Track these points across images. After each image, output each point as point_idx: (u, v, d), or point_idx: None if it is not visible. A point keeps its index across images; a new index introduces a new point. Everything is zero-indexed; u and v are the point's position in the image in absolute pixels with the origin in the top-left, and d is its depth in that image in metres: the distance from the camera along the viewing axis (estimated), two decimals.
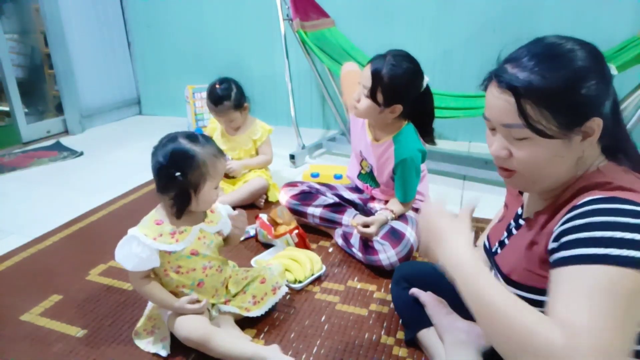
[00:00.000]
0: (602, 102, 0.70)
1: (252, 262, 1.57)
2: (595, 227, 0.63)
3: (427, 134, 1.59)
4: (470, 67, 2.75)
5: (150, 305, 1.28)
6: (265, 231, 1.66)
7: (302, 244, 1.62)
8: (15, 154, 2.88)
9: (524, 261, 0.77)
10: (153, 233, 1.12)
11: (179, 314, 1.16)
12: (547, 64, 0.69)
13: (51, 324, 1.32)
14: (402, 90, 1.46)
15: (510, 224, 0.90)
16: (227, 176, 2.12)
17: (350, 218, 1.66)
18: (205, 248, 1.19)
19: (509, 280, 0.81)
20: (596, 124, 0.69)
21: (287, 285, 1.41)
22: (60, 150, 2.96)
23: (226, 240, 1.29)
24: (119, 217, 2.00)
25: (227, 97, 1.99)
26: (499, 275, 0.87)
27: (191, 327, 1.13)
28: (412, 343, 1.18)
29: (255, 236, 1.75)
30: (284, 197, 1.83)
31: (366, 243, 1.56)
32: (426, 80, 1.50)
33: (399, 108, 1.49)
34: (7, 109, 3.23)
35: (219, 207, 1.28)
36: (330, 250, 1.70)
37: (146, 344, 1.20)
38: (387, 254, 1.50)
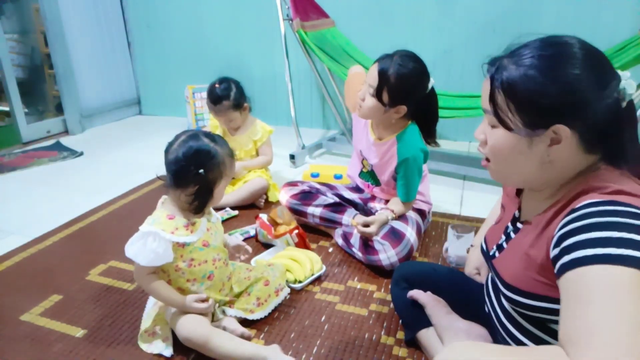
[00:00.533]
0: (577, 113, 0.68)
1: (252, 262, 1.57)
2: (594, 227, 0.62)
3: (430, 135, 1.60)
4: (470, 67, 2.75)
5: (149, 305, 1.28)
6: (265, 231, 1.66)
7: (302, 244, 1.62)
8: (15, 154, 2.88)
9: (524, 267, 0.76)
10: (169, 227, 1.14)
11: (181, 313, 1.17)
12: (531, 63, 0.69)
13: (51, 324, 1.32)
14: (408, 91, 1.46)
15: (508, 227, 0.89)
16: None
17: (350, 218, 1.66)
18: (213, 239, 1.22)
19: (508, 286, 0.81)
20: (563, 132, 0.69)
21: (287, 286, 1.41)
22: (60, 150, 2.96)
23: None
24: (119, 217, 2.00)
25: (226, 96, 1.99)
26: (497, 280, 0.87)
27: (191, 328, 1.13)
28: (412, 343, 1.18)
29: (255, 236, 1.75)
30: (284, 196, 1.83)
31: (366, 243, 1.56)
32: (432, 82, 1.50)
33: (403, 109, 1.49)
34: (7, 109, 3.23)
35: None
36: (330, 250, 1.70)
37: (148, 346, 1.20)
38: (387, 254, 1.50)
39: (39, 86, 3.61)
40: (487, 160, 0.80)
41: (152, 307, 1.25)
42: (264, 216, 1.73)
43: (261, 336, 1.26)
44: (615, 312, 0.56)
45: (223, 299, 1.27)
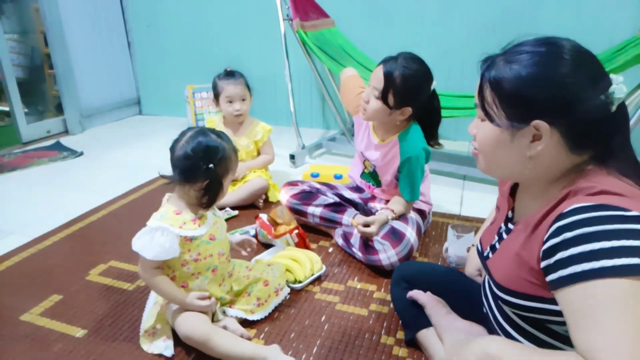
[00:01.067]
0: (558, 110, 0.69)
1: (252, 262, 1.57)
2: (584, 239, 0.63)
3: (432, 137, 1.60)
4: (470, 67, 2.72)
5: (149, 305, 1.28)
6: (265, 231, 1.66)
7: (302, 244, 1.62)
8: (15, 154, 2.88)
9: (514, 267, 0.77)
10: (177, 222, 1.16)
11: (182, 311, 1.17)
12: (520, 59, 0.71)
13: (51, 324, 1.32)
14: (413, 93, 1.46)
15: (501, 228, 0.90)
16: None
17: (350, 218, 1.66)
18: (219, 232, 1.25)
19: (500, 287, 0.81)
20: (543, 128, 0.70)
21: (287, 286, 1.42)
22: (60, 150, 2.96)
23: None
24: (119, 217, 2.00)
25: (241, 74, 2.10)
26: (490, 281, 0.87)
27: (192, 326, 1.14)
28: (412, 343, 1.18)
29: (256, 236, 1.75)
30: (284, 196, 1.83)
31: (366, 243, 1.56)
32: (434, 84, 1.51)
33: (408, 110, 1.50)
34: (7, 109, 3.23)
35: None
36: (330, 250, 1.70)
37: (149, 346, 1.20)
38: (387, 254, 1.50)
39: (39, 86, 3.61)
40: (476, 150, 0.84)
41: (152, 306, 1.25)
42: (264, 216, 1.73)
43: (261, 336, 1.26)
44: (619, 326, 0.58)
45: (224, 297, 1.28)
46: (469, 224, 1.73)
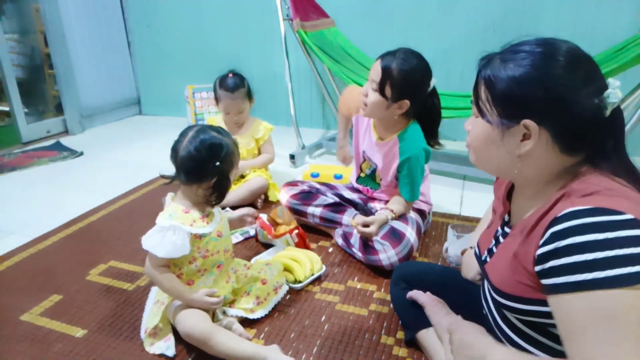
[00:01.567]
0: (548, 110, 0.69)
1: (252, 261, 1.57)
2: (577, 249, 0.63)
3: (433, 136, 1.60)
4: (470, 67, 2.72)
5: (149, 306, 1.28)
6: (265, 231, 1.66)
7: (302, 244, 1.62)
8: (15, 154, 2.88)
9: (511, 271, 0.77)
10: (187, 221, 1.17)
11: (183, 309, 1.17)
12: (515, 58, 0.72)
13: (51, 324, 1.32)
14: (410, 86, 1.46)
15: (497, 231, 0.90)
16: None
17: (350, 218, 1.66)
18: (224, 229, 1.27)
19: (497, 291, 0.81)
20: (531, 127, 0.70)
21: (288, 285, 1.42)
22: (60, 150, 2.96)
23: None
24: (119, 217, 2.00)
25: (242, 84, 2.05)
26: (488, 284, 0.87)
27: (193, 324, 1.14)
28: (412, 343, 1.18)
29: (255, 236, 1.75)
30: (284, 196, 1.83)
31: (366, 243, 1.56)
32: (433, 81, 1.51)
33: (406, 104, 1.49)
34: (7, 109, 3.23)
35: None
36: (330, 250, 1.70)
37: (151, 346, 1.20)
38: (387, 254, 1.50)
39: (39, 86, 3.61)
40: (469, 145, 0.86)
41: (153, 306, 1.25)
42: (264, 216, 1.73)
43: (261, 336, 1.26)
44: (610, 340, 0.59)
45: (227, 296, 1.28)
46: (469, 224, 1.73)
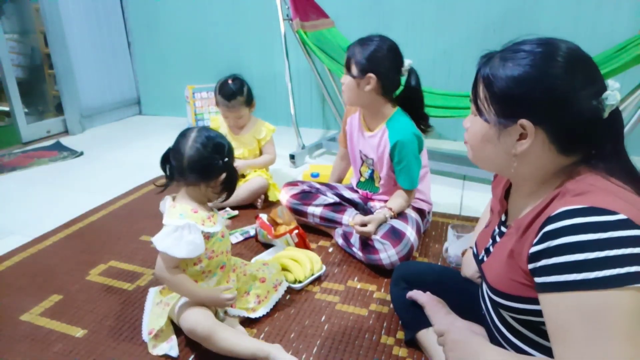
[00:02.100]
0: (545, 111, 0.69)
1: (252, 261, 1.57)
2: (568, 249, 0.63)
3: (420, 118, 1.62)
4: (470, 67, 2.72)
5: (148, 307, 1.28)
6: (265, 231, 1.66)
7: (302, 244, 1.62)
8: (15, 154, 2.88)
9: (507, 270, 0.77)
10: (198, 220, 1.17)
11: (188, 307, 1.17)
12: (514, 57, 0.72)
13: (51, 324, 1.32)
14: (371, 58, 1.51)
15: (495, 231, 0.90)
16: None
17: (350, 218, 1.66)
18: (225, 230, 1.28)
19: (494, 290, 0.81)
20: (528, 127, 0.70)
21: (287, 283, 1.42)
22: (60, 150, 2.96)
23: None
24: (119, 217, 2.00)
25: (239, 92, 2.02)
26: (485, 284, 0.88)
27: (196, 321, 1.13)
28: (412, 343, 1.19)
29: (255, 236, 1.75)
30: (284, 196, 1.83)
31: (366, 242, 1.56)
32: (408, 62, 1.55)
33: (372, 78, 1.52)
34: (7, 109, 3.23)
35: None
36: (330, 250, 1.70)
37: (154, 348, 1.20)
38: (387, 253, 1.50)
39: (39, 86, 3.61)
40: (466, 142, 0.86)
41: (155, 308, 1.25)
42: (264, 216, 1.73)
43: (261, 336, 1.26)
44: (596, 340, 0.60)
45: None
46: (469, 224, 1.73)
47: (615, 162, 0.72)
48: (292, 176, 2.48)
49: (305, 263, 1.48)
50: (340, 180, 2.01)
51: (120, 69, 3.77)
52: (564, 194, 0.69)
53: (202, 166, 1.16)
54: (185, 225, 1.13)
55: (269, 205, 2.09)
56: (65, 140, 3.18)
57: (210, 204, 1.27)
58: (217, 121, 2.17)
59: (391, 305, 1.33)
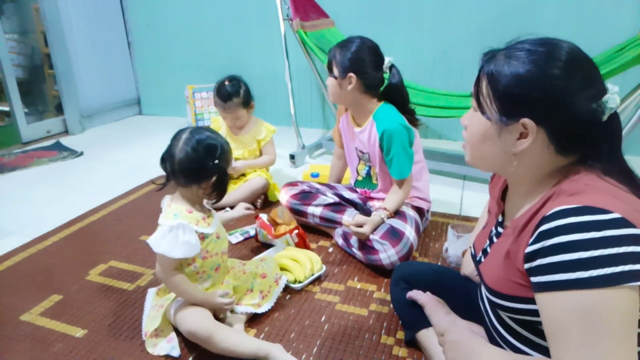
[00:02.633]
0: (547, 110, 0.70)
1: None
2: (562, 248, 0.63)
3: (406, 111, 1.64)
4: (470, 67, 2.74)
5: (147, 307, 1.28)
6: (265, 231, 1.66)
7: (302, 244, 1.62)
8: (15, 154, 2.88)
9: (504, 271, 0.77)
10: (192, 220, 1.17)
11: (185, 308, 1.17)
12: (518, 56, 0.72)
13: (51, 324, 1.32)
14: (351, 60, 1.55)
15: (492, 232, 0.90)
16: (230, 176, 2.12)
17: (350, 218, 1.66)
18: (222, 231, 1.28)
19: (491, 290, 0.81)
20: (530, 126, 0.71)
21: (287, 285, 1.42)
22: (60, 150, 2.96)
23: None
24: (119, 217, 2.00)
25: (236, 93, 2.01)
26: (482, 284, 0.88)
27: (195, 322, 1.13)
28: (412, 343, 1.19)
29: (255, 236, 1.75)
30: (284, 196, 1.83)
31: (365, 243, 1.56)
32: (389, 59, 1.59)
33: (353, 77, 1.55)
34: (7, 109, 3.23)
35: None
36: (330, 250, 1.70)
37: (154, 348, 1.20)
38: (387, 253, 1.50)
39: (39, 86, 3.61)
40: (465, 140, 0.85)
41: (150, 310, 1.25)
42: (264, 216, 1.73)
43: (261, 336, 1.26)
44: (591, 339, 0.60)
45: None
46: (469, 224, 1.74)
47: (611, 162, 0.73)
48: (292, 176, 2.48)
49: (305, 263, 1.48)
50: (339, 180, 2.02)
51: (120, 69, 3.77)
52: (559, 194, 0.70)
53: (191, 169, 1.15)
54: (178, 225, 1.13)
55: (269, 205, 2.09)
56: (65, 140, 3.18)
57: (207, 206, 1.27)
58: (217, 121, 2.17)
59: (391, 305, 1.33)
